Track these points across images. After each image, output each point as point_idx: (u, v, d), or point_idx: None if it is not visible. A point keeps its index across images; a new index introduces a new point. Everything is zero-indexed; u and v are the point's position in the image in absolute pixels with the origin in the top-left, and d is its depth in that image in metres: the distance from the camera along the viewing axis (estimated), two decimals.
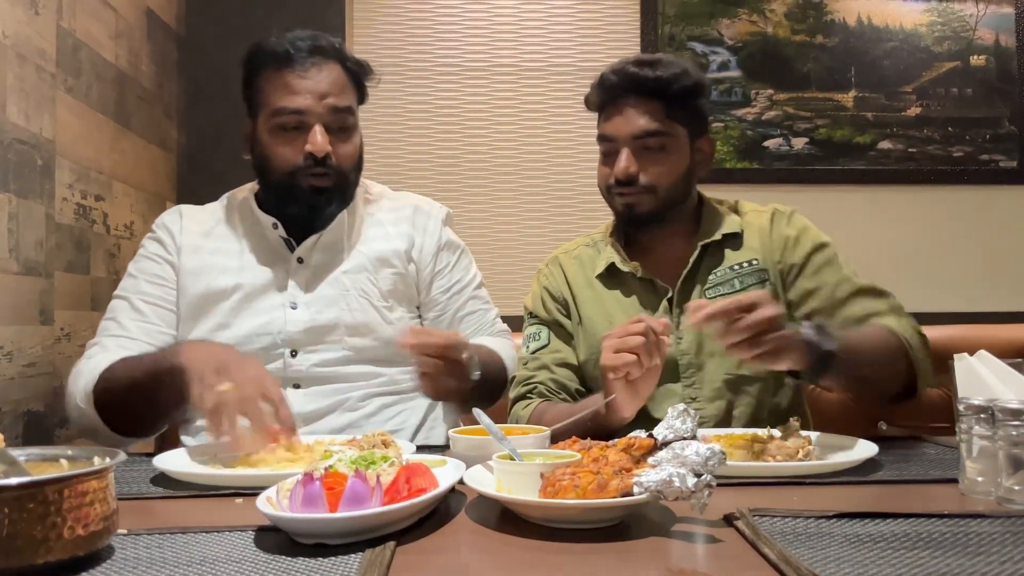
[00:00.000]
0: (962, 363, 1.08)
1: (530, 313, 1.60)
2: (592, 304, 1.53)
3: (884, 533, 0.79)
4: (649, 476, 0.80)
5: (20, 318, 1.64)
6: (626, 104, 1.45)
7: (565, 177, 2.86)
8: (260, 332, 1.45)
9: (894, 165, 2.87)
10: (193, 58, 2.62)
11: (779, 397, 1.47)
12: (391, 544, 0.77)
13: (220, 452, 1.16)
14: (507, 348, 1.58)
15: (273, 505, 0.82)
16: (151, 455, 1.15)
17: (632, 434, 0.93)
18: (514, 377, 1.52)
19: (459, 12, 2.85)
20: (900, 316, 1.41)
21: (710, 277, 1.49)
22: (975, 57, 2.89)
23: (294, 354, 1.45)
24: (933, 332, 1.56)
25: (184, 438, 1.47)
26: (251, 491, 0.96)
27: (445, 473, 0.96)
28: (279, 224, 1.49)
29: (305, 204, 1.44)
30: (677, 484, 0.78)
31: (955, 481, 1.00)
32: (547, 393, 1.47)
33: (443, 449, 1.32)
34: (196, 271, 1.48)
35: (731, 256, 1.51)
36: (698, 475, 0.79)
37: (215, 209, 1.58)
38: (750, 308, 1.13)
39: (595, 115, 1.53)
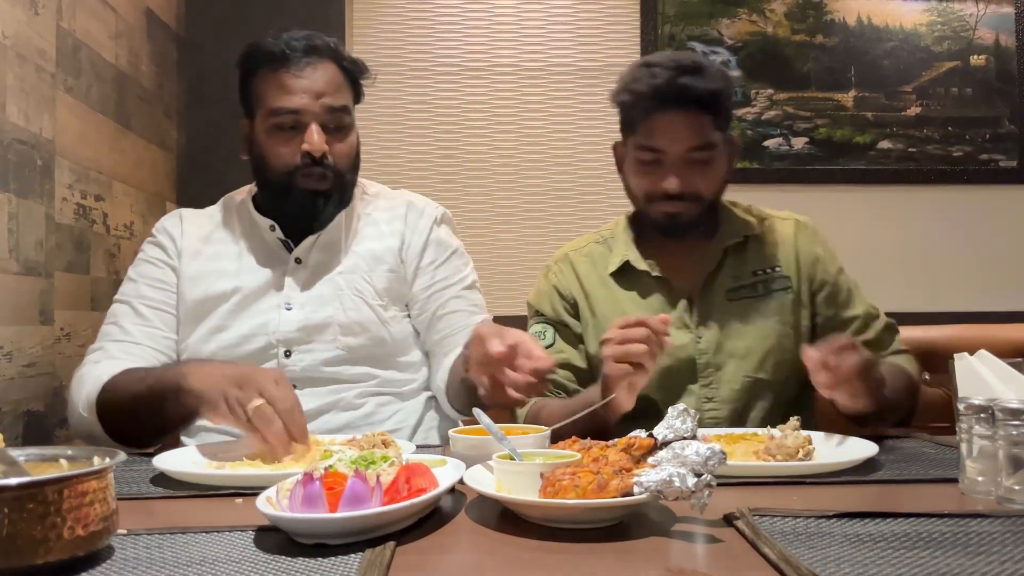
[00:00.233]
0: (962, 363, 1.08)
1: (536, 311, 1.59)
2: (606, 302, 1.53)
3: (884, 533, 0.79)
4: (649, 476, 0.80)
5: (20, 318, 1.64)
6: (675, 116, 1.43)
7: (565, 177, 2.86)
8: (255, 333, 1.45)
9: (894, 165, 2.87)
10: (193, 58, 2.62)
11: (794, 401, 1.47)
12: (391, 544, 0.77)
13: (220, 452, 1.16)
14: None
15: (273, 505, 0.82)
16: (151, 455, 1.15)
17: (632, 434, 0.93)
18: None
19: (459, 12, 2.85)
20: (908, 354, 1.52)
21: (733, 279, 1.50)
22: (975, 57, 2.89)
23: (288, 354, 1.45)
24: (933, 332, 1.57)
25: (184, 438, 1.47)
26: (251, 491, 0.96)
27: (445, 473, 0.96)
28: (276, 226, 1.49)
29: (303, 205, 1.44)
30: (677, 484, 0.78)
31: (955, 481, 0.99)
32: (545, 393, 1.47)
33: (442, 448, 1.32)
34: (195, 276, 1.48)
35: (752, 260, 1.52)
36: (698, 475, 0.79)
37: (213, 212, 1.58)
38: (852, 349, 1.20)
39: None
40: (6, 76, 1.58)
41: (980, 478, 0.94)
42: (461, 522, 0.89)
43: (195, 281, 1.48)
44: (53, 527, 0.68)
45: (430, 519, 0.88)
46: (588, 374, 1.52)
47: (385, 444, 1.10)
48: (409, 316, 1.55)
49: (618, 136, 1.60)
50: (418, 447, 1.26)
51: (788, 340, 1.49)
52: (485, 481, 0.93)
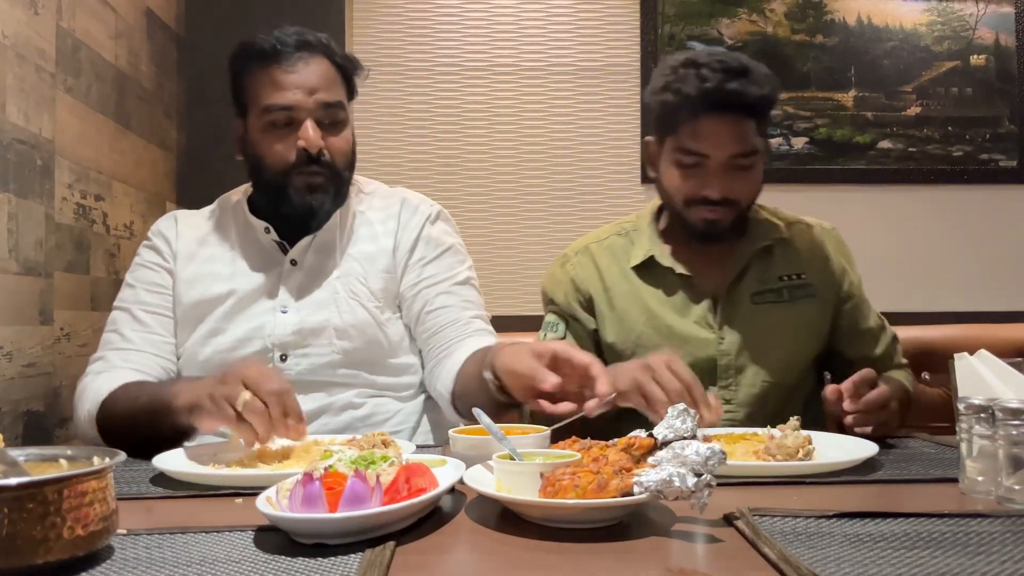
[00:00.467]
0: (962, 362, 1.08)
1: (550, 299, 1.58)
2: (627, 297, 1.52)
3: (884, 533, 0.79)
4: (649, 476, 0.80)
5: (20, 318, 1.64)
6: (722, 121, 1.40)
7: (565, 177, 2.86)
8: (251, 337, 1.44)
9: (894, 165, 2.87)
10: (193, 58, 2.62)
11: (808, 408, 1.47)
12: (391, 544, 0.77)
13: (220, 452, 1.16)
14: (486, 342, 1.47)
15: (273, 505, 0.82)
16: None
17: (632, 434, 0.93)
18: None
19: (459, 12, 2.85)
20: (907, 367, 1.56)
21: (759, 283, 1.50)
22: (975, 57, 2.89)
23: (284, 358, 1.44)
24: (933, 332, 1.58)
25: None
26: (251, 491, 0.96)
27: (445, 473, 0.96)
28: (271, 228, 1.48)
29: (299, 203, 1.43)
30: (677, 484, 0.78)
31: (955, 481, 0.99)
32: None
33: (442, 448, 1.32)
34: (191, 280, 1.48)
35: (778, 266, 1.52)
36: (698, 475, 0.79)
37: (209, 213, 1.57)
38: (873, 384, 1.25)
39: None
40: (6, 76, 1.58)
41: (980, 478, 0.94)
42: (461, 522, 0.89)
43: (191, 284, 1.48)
44: (53, 527, 0.68)
45: (430, 519, 0.88)
46: None
47: (385, 444, 1.10)
48: (402, 318, 1.53)
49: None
50: (418, 447, 1.26)
51: (808, 348, 1.50)
52: (485, 481, 0.93)
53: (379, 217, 1.54)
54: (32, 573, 0.68)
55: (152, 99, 2.38)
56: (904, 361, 1.58)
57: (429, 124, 2.85)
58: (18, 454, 0.77)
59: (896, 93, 2.87)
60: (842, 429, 1.29)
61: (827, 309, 1.52)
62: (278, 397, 1.09)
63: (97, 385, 1.35)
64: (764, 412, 1.45)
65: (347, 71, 1.48)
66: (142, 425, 1.21)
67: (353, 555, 0.74)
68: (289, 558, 0.74)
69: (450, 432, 1.18)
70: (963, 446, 0.97)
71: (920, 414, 1.57)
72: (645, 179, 2.84)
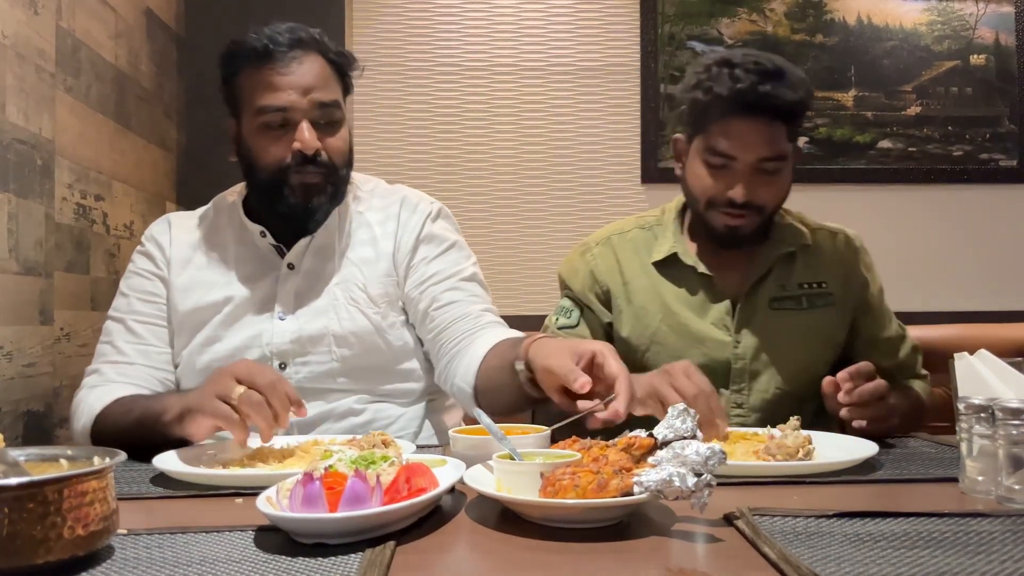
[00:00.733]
0: (962, 362, 1.08)
1: (566, 285, 1.57)
2: (646, 292, 1.51)
3: (884, 532, 0.79)
4: (649, 476, 0.80)
5: (20, 318, 1.64)
6: (752, 124, 1.38)
7: (565, 177, 2.86)
8: (248, 345, 1.41)
9: (894, 164, 2.87)
10: (193, 58, 2.62)
11: (818, 416, 1.46)
12: (391, 544, 0.77)
13: (220, 452, 1.16)
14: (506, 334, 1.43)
15: (273, 505, 0.82)
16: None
17: (632, 433, 0.93)
18: None
19: (459, 12, 2.85)
20: (926, 377, 1.56)
21: (779, 288, 1.49)
22: (975, 56, 2.89)
23: (283, 366, 1.41)
24: (933, 332, 1.58)
25: None
26: (251, 491, 0.96)
27: (445, 473, 0.96)
28: (267, 232, 1.45)
29: (297, 203, 1.39)
30: (677, 483, 0.78)
31: (955, 480, 0.99)
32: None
33: (442, 448, 1.31)
34: (186, 287, 1.45)
35: (799, 272, 1.51)
36: (698, 474, 0.79)
37: (204, 215, 1.54)
38: (871, 377, 1.25)
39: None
40: (6, 76, 1.58)
41: (980, 477, 0.94)
42: (461, 522, 0.89)
43: (186, 292, 1.45)
44: (53, 527, 0.68)
45: (430, 519, 0.88)
46: None
47: (385, 444, 1.10)
48: (408, 320, 1.49)
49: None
50: (418, 447, 1.26)
51: (824, 357, 1.49)
52: (485, 481, 0.93)
53: (378, 218, 1.51)
54: (32, 573, 0.68)
55: (152, 99, 2.38)
56: (924, 372, 1.56)
57: (429, 124, 2.85)
58: (18, 454, 0.77)
59: (896, 93, 2.87)
60: (845, 432, 1.28)
61: (845, 318, 1.51)
62: (273, 387, 1.09)
63: (92, 400, 1.34)
64: (775, 418, 1.43)
65: (342, 67, 1.44)
66: (135, 440, 1.18)
67: (353, 555, 0.74)
68: (289, 558, 0.74)
69: (450, 432, 1.18)
70: (963, 446, 0.97)
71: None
72: (645, 179, 2.84)
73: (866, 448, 1.15)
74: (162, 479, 1.08)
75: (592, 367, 1.07)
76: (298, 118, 1.36)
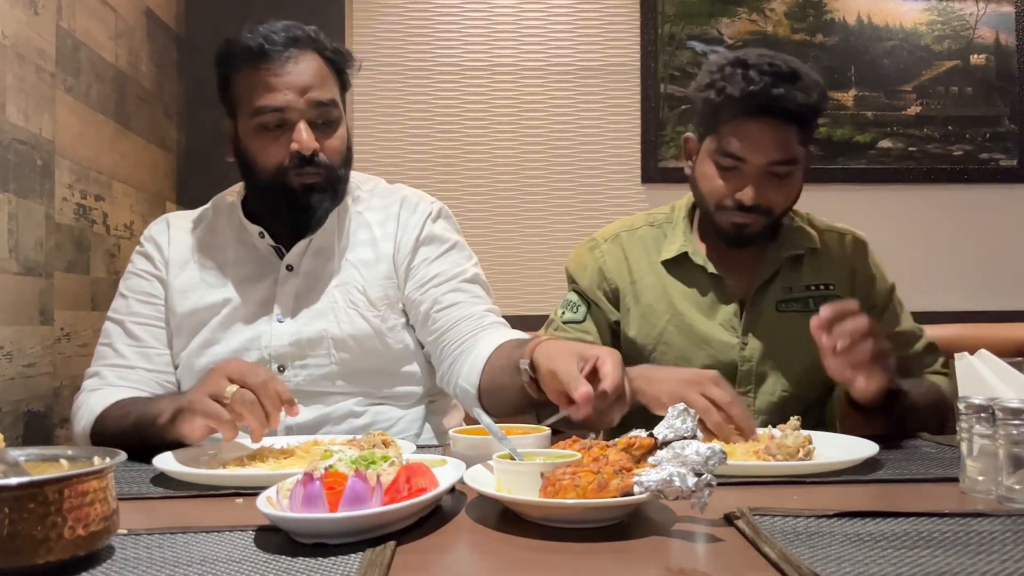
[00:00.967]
0: (962, 362, 1.08)
1: (573, 280, 1.56)
2: (653, 291, 1.50)
3: (885, 532, 0.79)
4: (649, 475, 0.80)
5: (20, 318, 1.64)
6: (763, 126, 1.36)
7: (565, 177, 2.86)
8: (247, 347, 1.41)
9: (894, 164, 2.87)
10: (193, 58, 2.62)
11: (821, 419, 1.46)
12: (391, 544, 0.77)
13: (220, 452, 1.16)
14: (510, 335, 1.42)
15: (273, 505, 0.82)
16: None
17: (632, 433, 0.93)
18: None
19: (459, 12, 2.85)
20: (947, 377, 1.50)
21: (784, 291, 1.48)
22: (975, 56, 2.89)
23: (282, 369, 1.41)
24: (933, 331, 1.57)
25: None
26: (251, 491, 0.96)
27: (445, 473, 0.96)
28: (266, 233, 1.44)
29: (295, 203, 1.38)
30: (677, 483, 0.78)
31: (955, 480, 0.99)
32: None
33: (442, 448, 1.31)
34: (184, 288, 1.45)
35: (807, 274, 1.50)
36: (698, 474, 0.79)
37: (203, 216, 1.53)
38: (856, 314, 1.19)
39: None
40: (6, 76, 1.58)
41: (980, 477, 0.94)
42: (461, 522, 0.89)
43: (184, 293, 1.44)
44: (53, 527, 0.68)
45: (430, 519, 0.88)
46: None
47: (385, 444, 1.10)
48: (408, 322, 1.48)
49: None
50: (418, 447, 1.25)
51: None
52: (485, 481, 0.93)
53: (378, 219, 1.50)
54: (33, 573, 0.68)
55: (152, 99, 2.38)
56: (944, 371, 1.52)
57: (429, 124, 2.85)
58: (18, 454, 0.77)
59: (896, 92, 2.87)
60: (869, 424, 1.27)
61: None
62: (265, 386, 1.08)
63: (91, 403, 1.34)
64: (781, 421, 1.43)
65: (339, 65, 1.42)
66: (133, 444, 1.17)
67: (353, 555, 0.74)
68: (289, 558, 0.74)
69: (450, 432, 1.18)
70: (963, 446, 0.97)
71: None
72: (645, 179, 2.84)
73: (866, 448, 1.15)
74: (162, 479, 1.08)
75: (595, 371, 1.05)
76: (295, 118, 1.35)
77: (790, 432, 1.15)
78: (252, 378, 1.09)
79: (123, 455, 0.78)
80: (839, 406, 1.51)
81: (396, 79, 2.84)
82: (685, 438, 0.87)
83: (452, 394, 1.45)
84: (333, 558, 0.74)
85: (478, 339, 1.38)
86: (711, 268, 1.48)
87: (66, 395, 1.78)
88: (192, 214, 1.55)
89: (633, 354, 1.48)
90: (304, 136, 1.35)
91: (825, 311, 1.18)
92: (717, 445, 0.82)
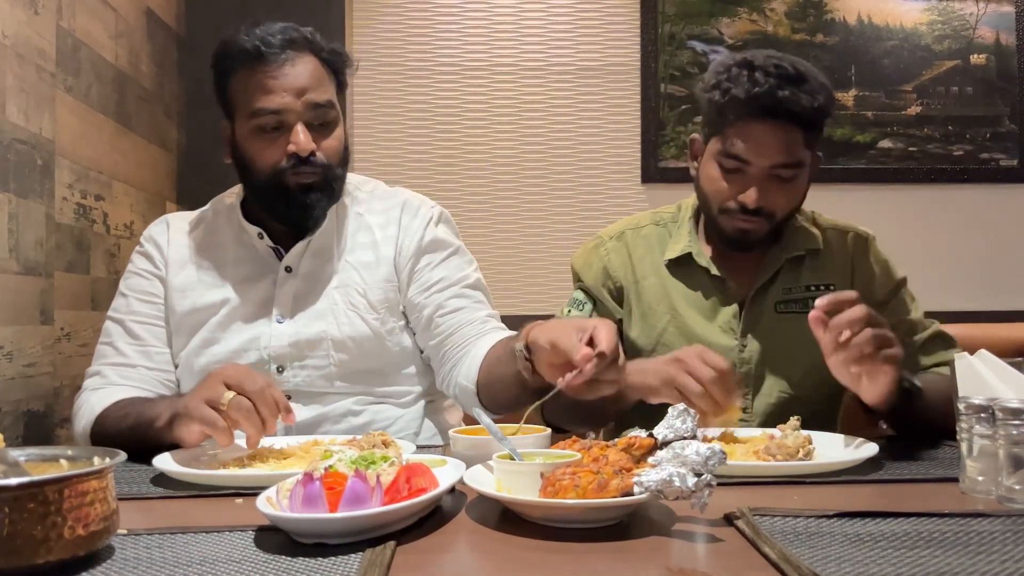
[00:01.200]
0: (962, 362, 1.08)
1: (579, 277, 1.55)
2: (655, 292, 1.49)
3: (885, 532, 0.79)
4: (649, 476, 0.80)
5: (20, 318, 1.64)
6: (768, 129, 1.34)
7: (565, 177, 2.86)
8: (246, 348, 1.41)
9: (894, 164, 2.87)
10: (193, 58, 2.62)
11: (824, 423, 1.44)
12: (391, 544, 0.77)
13: (220, 452, 1.16)
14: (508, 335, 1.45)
15: (273, 505, 0.82)
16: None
17: (632, 434, 0.93)
18: None
19: (459, 12, 2.85)
20: None
21: (784, 291, 1.47)
22: (975, 56, 2.89)
23: (281, 370, 1.41)
24: None
25: None
26: (251, 491, 0.96)
27: (445, 473, 0.96)
28: (264, 234, 1.45)
29: (293, 203, 1.39)
30: (677, 483, 0.78)
31: (955, 480, 1.00)
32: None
33: (442, 448, 1.31)
34: (183, 287, 1.45)
35: (807, 274, 1.48)
36: (698, 474, 0.79)
37: (202, 217, 1.54)
38: (853, 304, 1.14)
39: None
40: (6, 76, 1.58)
41: (980, 477, 0.95)
42: (461, 522, 0.89)
43: (183, 292, 1.45)
44: (53, 527, 0.68)
45: (430, 519, 0.88)
46: None
47: (385, 444, 1.10)
48: (408, 326, 1.49)
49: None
50: (418, 447, 1.25)
51: None
52: (485, 481, 0.93)
53: (379, 221, 1.50)
54: (33, 573, 0.68)
55: (152, 99, 2.38)
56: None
57: (429, 124, 2.85)
58: (18, 454, 0.77)
59: (896, 92, 2.87)
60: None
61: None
62: (262, 393, 1.09)
63: (92, 403, 1.34)
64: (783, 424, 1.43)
65: (335, 66, 1.43)
66: (131, 447, 1.18)
67: (353, 555, 0.74)
68: (289, 558, 0.74)
69: (450, 432, 1.19)
70: (963, 446, 0.97)
71: None
72: (645, 179, 2.84)
73: (866, 448, 1.14)
74: (162, 479, 1.08)
75: (591, 344, 1.08)
76: (292, 120, 1.36)
77: (790, 432, 1.15)
78: (249, 385, 1.10)
79: (123, 455, 0.78)
80: (847, 410, 1.50)
81: (396, 79, 2.84)
82: (685, 438, 0.87)
83: (452, 395, 1.46)
84: (333, 558, 0.74)
85: (479, 341, 1.40)
86: (714, 270, 1.47)
87: (66, 395, 1.78)
88: (191, 215, 1.56)
89: (633, 355, 1.48)
90: (301, 137, 1.35)
91: (821, 301, 1.15)
92: (717, 445, 0.82)
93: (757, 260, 1.48)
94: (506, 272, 2.83)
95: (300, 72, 1.37)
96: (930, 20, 2.88)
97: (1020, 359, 1.06)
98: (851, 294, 1.17)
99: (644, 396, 1.25)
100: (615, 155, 2.85)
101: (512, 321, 1.47)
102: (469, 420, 1.57)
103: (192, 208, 1.59)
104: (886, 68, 2.87)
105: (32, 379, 1.68)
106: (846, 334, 1.13)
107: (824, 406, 1.48)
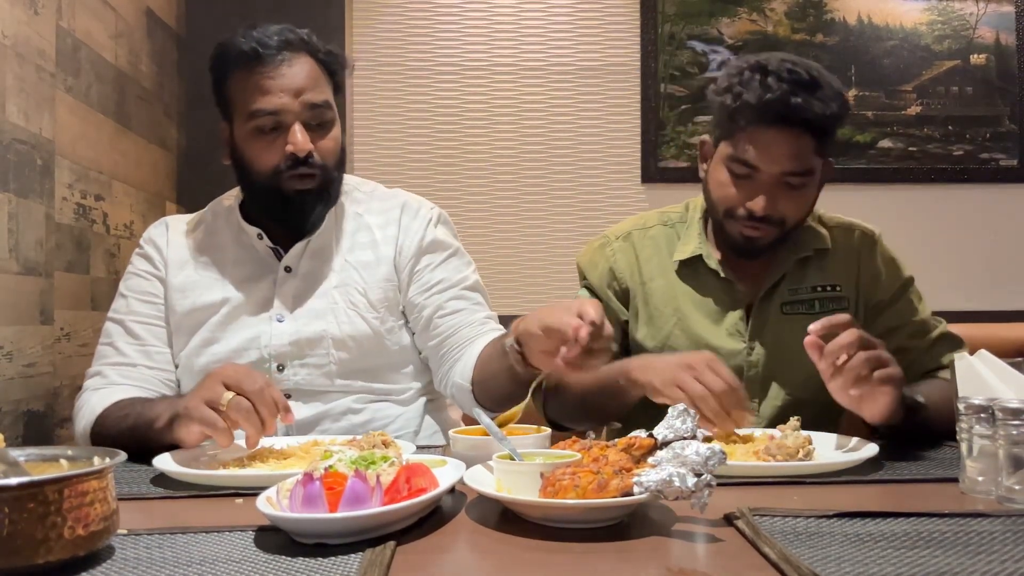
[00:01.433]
0: (962, 362, 1.08)
1: (584, 276, 1.54)
2: (662, 294, 1.48)
3: (884, 532, 0.79)
4: (649, 476, 0.80)
5: (20, 318, 1.64)
6: (778, 135, 1.32)
7: (565, 177, 2.86)
8: (246, 347, 1.42)
9: (894, 164, 2.87)
10: (193, 58, 2.62)
11: (831, 424, 1.44)
12: (391, 544, 0.77)
13: (219, 452, 1.16)
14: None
15: (273, 505, 0.82)
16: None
17: (632, 434, 0.93)
18: None
19: (459, 12, 2.85)
20: None
21: (790, 292, 1.45)
22: (975, 56, 2.89)
23: (281, 368, 1.42)
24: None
25: None
26: (251, 491, 0.96)
27: (445, 473, 0.96)
28: (264, 234, 1.45)
29: (290, 207, 1.40)
30: (677, 484, 0.78)
31: (955, 480, 1.00)
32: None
33: (442, 448, 1.31)
34: (183, 287, 1.46)
35: (814, 275, 1.47)
36: (698, 475, 0.79)
37: (201, 219, 1.54)
38: (846, 326, 1.14)
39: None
40: (6, 76, 1.58)
41: (980, 478, 0.95)
42: (461, 522, 0.89)
43: (183, 292, 1.45)
44: (53, 527, 0.68)
45: (430, 519, 0.88)
46: (615, 357, 1.48)
47: (385, 444, 1.10)
48: (407, 325, 1.50)
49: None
50: (418, 447, 1.26)
51: None
52: (485, 481, 0.93)
53: (378, 222, 1.51)
54: (33, 573, 0.68)
55: (152, 99, 2.38)
56: None
57: (429, 124, 2.85)
58: (18, 454, 0.77)
59: (896, 92, 2.87)
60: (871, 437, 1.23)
61: (859, 320, 1.40)
62: (261, 393, 1.10)
63: (93, 403, 1.34)
64: None
65: (332, 66, 1.44)
66: (131, 447, 1.19)
67: (353, 555, 0.74)
68: (289, 558, 0.74)
69: (450, 432, 1.19)
70: (963, 446, 0.97)
71: None
72: (645, 179, 2.84)
73: (866, 448, 1.14)
74: (162, 479, 1.08)
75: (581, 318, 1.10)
76: (290, 120, 1.37)
77: (790, 432, 1.15)
78: (248, 385, 1.10)
79: (123, 455, 0.78)
80: (850, 413, 1.49)
81: (396, 79, 2.83)
82: (685, 438, 0.87)
83: (449, 395, 1.48)
84: (333, 558, 0.74)
85: (475, 342, 1.42)
86: (724, 273, 1.46)
87: (66, 395, 1.78)
88: (190, 217, 1.57)
89: (637, 351, 1.48)
90: (299, 137, 1.36)
91: (815, 326, 1.15)
92: (717, 445, 0.82)
93: (765, 263, 1.47)
94: (506, 272, 2.83)
95: (297, 73, 1.38)
96: (930, 20, 2.88)
97: (1020, 359, 1.06)
98: (843, 318, 1.17)
99: (646, 392, 1.25)
100: (615, 155, 2.85)
101: (512, 321, 1.47)
102: (469, 420, 1.58)
103: (192, 208, 1.60)
104: (886, 68, 2.87)
105: (32, 379, 1.68)
106: (842, 358, 1.13)
107: (830, 407, 1.46)
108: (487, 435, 1.08)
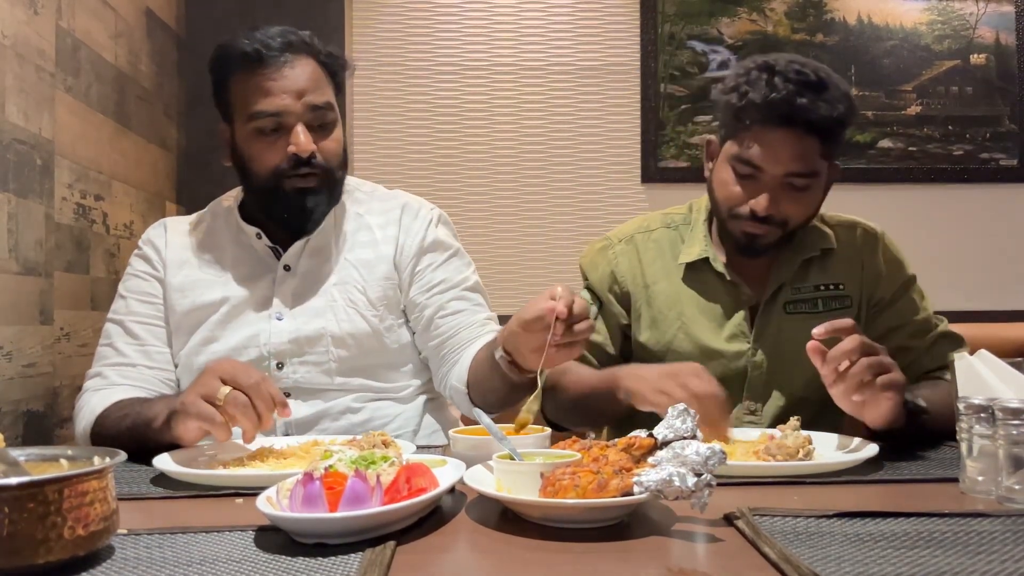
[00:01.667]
0: (962, 362, 1.08)
1: (586, 277, 1.54)
2: (665, 298, 1.48)
3: (884, 532, 0.79)
4: (649, 475, 0.80)
5: (20, 318, 1.64)
6: (783, 136, 1.32)
7: (565, 177, 2.86)
8: (246, 345, 1.42)
9: (894, 164, 2.87)
10: (193, 58, 2.62)
11: (834, 424, 1.44)
12: (391, 544, 0.77)
13: (219, 452, 1.16)
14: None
15: (273, 505, 0.82)
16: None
17: (632, 434, 0.93)
18: None
19: (459, 12, 2.85)
20: None
21: (793, 291, 1.45)
22: (975, 56, 2.89)
23: (280, 366, 1.42)
24: None
25: None
26: (251, 491, 0.96)
27: (445, 473, 0.96)
28: (263, 234, 1.46)
29: (292, 207, 1.40)
30: (677, 483, 0.78)
31: (955, 480, 1.00)
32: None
33: (442, 448, 1.32)
34: (182, 287, 1.46)
35: (816, 274, 1.46)
36: (698, 474, 0.79)
37: (200, 219, 1.55)
38: (849, 330, 1.14)
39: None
40: (6, 76, 1.58)
41: (980, 477, 0.95)
42: (461, 522, 0.89)
43: (183, 292, 1.46)
44: (53, 527, 0.68)
45: (430, 519, 0.88)
46: (613, 359, 1.50)
47: (385, 444, 1.10)
48: (407, 323, 1.50)
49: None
50: (419, 447, 1.26)
51: None
52: (485, 481, 0.93)
53: (379, 221, 1.52)
54: (33, 573, 0.68)
55: (152, 99, 2.38)
56: None
57: (429, 125, 2.85)
58: (18, 454, 0.77)
59: (896, 92, 2.87)
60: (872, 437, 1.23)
61: (860, 320, 1.44)
62: (258, 387, 1.10)
63: (92, 404, 1.34)
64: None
65: (333, 68, 1.44)
66: (130, 447, 1.19)
67: (353, 555, 0.74)
68: (289, 558, 0.74)
69: (450, 432, 1.19)
70: (963, 446, 0.97)
71: None
72: (645, 179, 2.84)
73: (866, 448, 1.14)
74: (162, 479, 1.08)
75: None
76: (292, 122, 1.37)
77: (790, 432, 1.15)
78: (244, 379, 1.10)
79: (123, 455, 0.78)
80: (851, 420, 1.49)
81: (396, 80, 2.83)
82: (685, 438, 0.87)
83: (447, 396, 1.49)
84: (333, 558, 0.74)
85: (473, 343, 1.42)
86: (729, 275, 1.45)
87: (66, 395, 1.78)
88: (189, 218, 1.57)
89: (645, 359, 1.46)
90: (302, 138, 1.37)
91: (818, 330, 1.15)
92: (717, 445, 0.82)
93: (770, 264, 1.46)
94: (506, 272, 2.83)
95: (299, 74, 1.38)
96: (930, 20, 2.88)
97: (1020, 359, 1.06)
98: (846, 322, 1.16)
99: (635, 401, 1.26)
100: (615, 155, 2.85)
101: None
102: (467, 419, 1.58)
103: (192, 208, 1.61)
104: (886, 68, 2.87)
105: (32, 379, 1.68)
106: (844, 364, 1.13)
107: (833, 407, 1.46)
108: (487, 435, 1.08)
